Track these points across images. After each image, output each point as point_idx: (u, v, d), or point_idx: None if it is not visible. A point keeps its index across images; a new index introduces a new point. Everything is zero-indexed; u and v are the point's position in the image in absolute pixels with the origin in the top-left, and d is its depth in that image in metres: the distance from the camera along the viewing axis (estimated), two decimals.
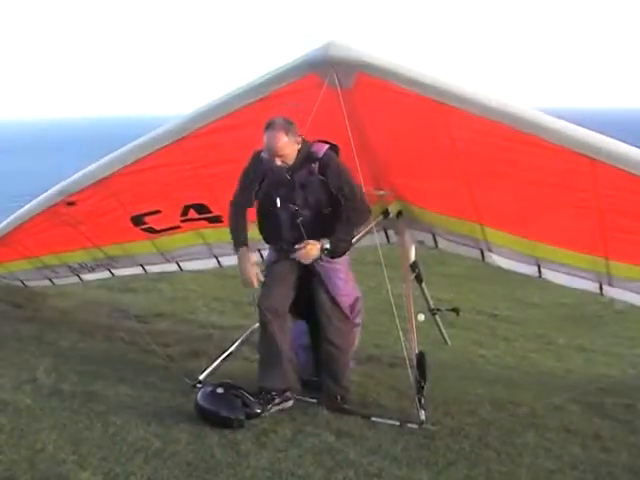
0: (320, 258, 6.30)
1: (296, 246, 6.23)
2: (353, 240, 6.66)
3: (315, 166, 6.21)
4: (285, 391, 6.32)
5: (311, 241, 6.20)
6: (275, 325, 6.30)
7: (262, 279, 6.40)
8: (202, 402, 5.94)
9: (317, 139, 6.32)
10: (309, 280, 6.44)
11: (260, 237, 6.65)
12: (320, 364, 6.64)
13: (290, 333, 6.50)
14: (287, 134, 6.04)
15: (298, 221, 6.28)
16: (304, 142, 6.22)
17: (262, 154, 6.27)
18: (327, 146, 6.29)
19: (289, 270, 6.43)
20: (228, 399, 5.92)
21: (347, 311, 6.51)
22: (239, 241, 6.45)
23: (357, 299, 6.71)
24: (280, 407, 6.24)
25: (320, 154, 6.22)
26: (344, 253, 6.49)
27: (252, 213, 6.59)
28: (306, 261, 6.23)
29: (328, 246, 6.22)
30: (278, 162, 6.13)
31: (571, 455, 5.84)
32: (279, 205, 6.32)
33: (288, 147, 6.08)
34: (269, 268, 6.56)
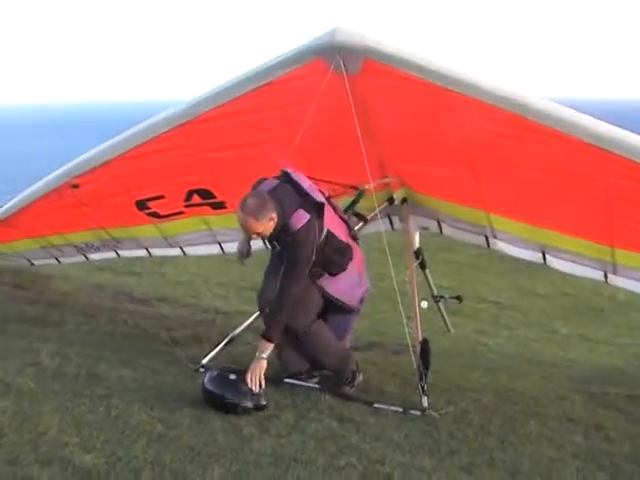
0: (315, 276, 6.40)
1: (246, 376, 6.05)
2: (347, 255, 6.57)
3: (290, 239, 6.15)
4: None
5: (252, 363, 6.11)
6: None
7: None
8: (209, 385, 5.94)
9: (298, 211, 6.15)
10: None
11: None
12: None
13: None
14: (257, 218, 5.97)
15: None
16: (282, 213, 6.10)
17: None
18: (302, 223, 6.12)
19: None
20: (236, 385, 5.93)
21: (349, 304, 6.61)
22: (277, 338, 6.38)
23: (364, 292, 6.76)
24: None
25: (297, 228, 6.11)
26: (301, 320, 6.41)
27: None
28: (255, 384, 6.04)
29: (266, 353, 6.13)
30: (255, 238, 6.21)
31: (573, 444, 5.86)
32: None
33: (259, 227, 6.03)
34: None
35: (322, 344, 6.53)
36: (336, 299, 6.51)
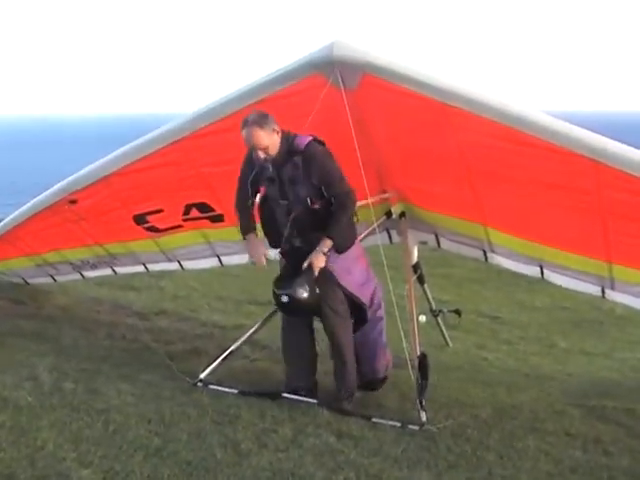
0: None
1: (304, 265, 6.25)
2: (356, 231, 6.71)
3: (298, 160, 6.21)
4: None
5: (312, 255, 6.25)
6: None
7: (271, 257, 6.55)
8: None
9: (305, 133, 6.31)
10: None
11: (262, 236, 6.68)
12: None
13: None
14: (262, 127, 6.06)
15: (291, 217, 6.32)
16: (286, 134, 6.22)
17: (253, 154, 6.29)
18: (310, 138, 6.27)
19: None
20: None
21: (364, 301, 6.67)
22: (246, 230, 6.57)
23: (375, 290, 6.84)
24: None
25: (302, 146, 6.21)
26: (350, 245, 6.54)
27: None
28: (317, 271, 6.26)
29: (326, 249, 6.26)
30: (261, 155, 6.16)
31: (572, 459, 5.83)
32: (271, 201, 6.41)
33: (266, 139, 6.10)
34: None
35: (348, 338, 6.63)
36: (349, 292, 6.54)
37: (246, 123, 6.10)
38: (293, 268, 6.33)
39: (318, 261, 6.24)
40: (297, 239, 6.40)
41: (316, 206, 6.30)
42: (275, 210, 6.46)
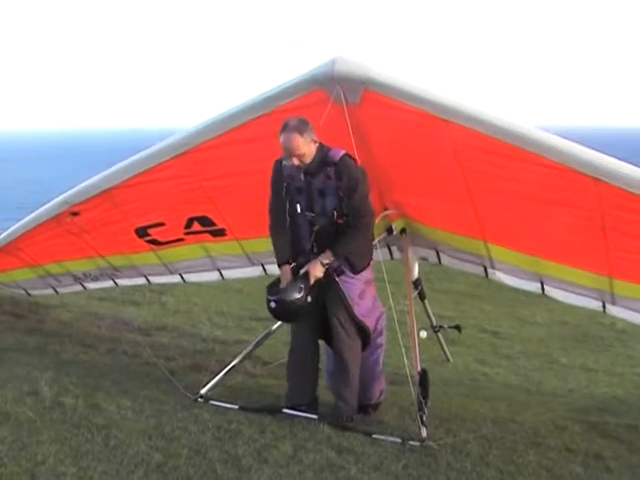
0: (334, 274, 6.36)
1: (301, 271, 6.27)
2: (372, 251, 6.73)
3: (331, 170, 6.22)
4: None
5: (311, 264, 6.28)
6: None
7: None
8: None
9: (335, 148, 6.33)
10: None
11: (268, 249, 6.67)
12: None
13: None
14: (302, 134, 6.09)
15: (314, 229, 6.32)
16: (321, 145, 6.24)
17: (283, 162, 6.31)
18: (344, 151, 6.29)
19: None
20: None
21: (370, 327, 6.64)
22: (281, 259, 6.50)
23: (379, 317, 6.82)
24: None
25: (337, 158, 6.23)
26: (366, 265, 6.58)
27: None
28: (312, 280, 6.26)
29: (326, 261, 6.27)
30: (295, 162, 6.16)
31: (572, 475, 5.82)
32: (299, 211, 6.37)
33: (304, 146, 6.12)
34: None
35: (355, 359, 6.60)
36: (358, 318, 6.53)
37: (286, 127, 6.11)
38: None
39: (315, 270, 6.25)
40: (315, 256, 6.38)
41: (340, 221, 6.31)
42: (298, 222, 6.44)
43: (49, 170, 75.37)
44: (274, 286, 6.39)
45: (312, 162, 6.21)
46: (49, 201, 8.46)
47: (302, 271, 6.28)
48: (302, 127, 6.11)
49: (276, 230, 6.52)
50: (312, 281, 6.25)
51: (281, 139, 6.14)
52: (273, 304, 6.25)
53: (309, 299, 6.26)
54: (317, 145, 6.22)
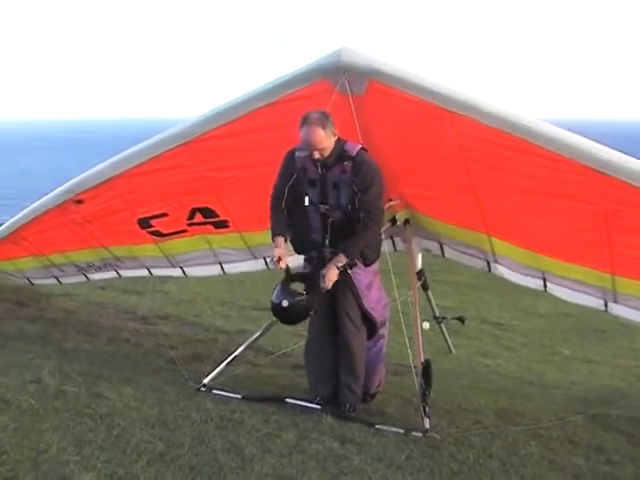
0: (346, 266, 6.34)
1: (320, 282, 6.23)
2: (381, 244, 6.72)
3: (348, 164, 6.19)
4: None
5: (327, 268, 6.22)
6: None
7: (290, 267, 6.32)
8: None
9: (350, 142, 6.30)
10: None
11: (269, 242, 6.62)
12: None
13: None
14: (324, 128, 6.04)
15: (328, 222, 6.29)
16: (338, 138, 6.21)
17: (296, 152, 6.27)
18: (360, 146, 6.27)
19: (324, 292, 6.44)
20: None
21: (377, 320, 6.64)
22: (277, 231, 6.41)
23: (384, 307, 6.83)
24: None
25: (354, 152, 6.20)
26: (376, 258, 6.61)
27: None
28: (330, 284, 6.24)
29: (341, 264, 6.23)
30: (317, 155, 6.11)
31: (575, 467, 5.83)
32: (307, 204, 6.31)
33: (325, 140, 6.08)
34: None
35: (362, 349, 6.60)
36: (366, 308, 6.53)
37: (307, 120, 6.06)
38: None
39: (332, 275, 6.20)
40: (328, 249, 6.35)
41: (355, 215, 6.27)
42: (310, 215, 6.38)
43: (51, 160, 75.40)
44: (285, 288, 6.30)
45: (330, 155, 6.17)
46: (42, 192, 8.48)
47: (321, 276, 6.23)
48: (324, 121, 6.06)
49: (276, 210, 6.44)
50: (329, 286, 6.22)
51: (302, 132, 6.07)
52: (285, 303, 6.20)
53: (315, 302, 6.28)
54: (337, 137, 6.18)
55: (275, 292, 6.23)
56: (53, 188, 8.53)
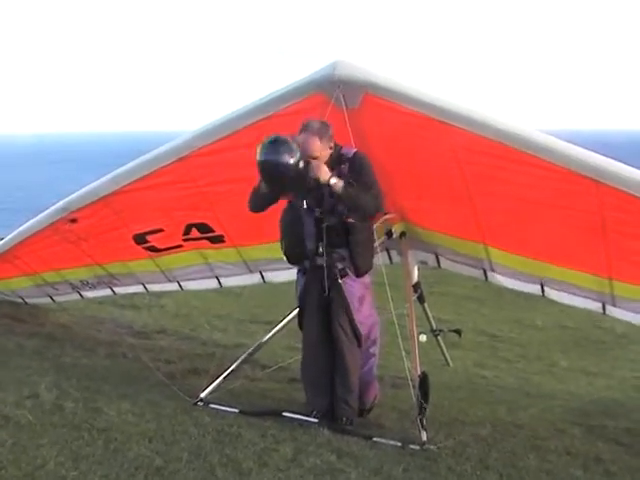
0: (338, 275, 6.36)
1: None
2: (373, 255, 6.66)
3: (345, 167, 6.23)
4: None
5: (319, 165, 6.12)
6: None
7: None
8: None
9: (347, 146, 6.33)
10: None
11: (266, 256, 6.62)
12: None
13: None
14: (321, 139, 6.10)
15: (322, 226, 6.28)
16: (335, 145, 6.26)
17: None
18: (356, 149, 6.32)
19: (317, 304, 6.48)
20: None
21: (363, 334, 6.58)
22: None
23: (374, 325, 6.78)
24: None
25: (350, 154, 6.26)
26: (368, 269, 6.56)
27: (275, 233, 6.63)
28: (318, 172, 6.09)
29: (334, 181, 6.09)
30: (309, 162, 6.10)
31: (573, 478, 5.82)
32: (305, 207, 6.31)
33: (320, 151, 6.12)
34: (301, 300, 6.66)
35: (356, 363, 6.58)
36: (356, 325, 6.50)
37: (307, 128, 6.12)
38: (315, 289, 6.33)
39: (321, 171, 6.08)
40: (321, 257, 6.34)
41: (350, 220, 6.29)
42: (304, 220, 6.39)
43: (46, 175, 75.41)
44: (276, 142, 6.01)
45: (327, 161, 6.18)
46: (40, 206, 8.47)
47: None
48: (323, 132, 6.12)
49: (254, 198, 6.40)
50: (315, 171, 6.05)
51: (299, 138, 6.10)
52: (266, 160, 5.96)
53: (301, 165, 5.97)
54: (333, 148, 6.23)
55: (269, 147, 5.99)
56: (49, 202, 8.52)
